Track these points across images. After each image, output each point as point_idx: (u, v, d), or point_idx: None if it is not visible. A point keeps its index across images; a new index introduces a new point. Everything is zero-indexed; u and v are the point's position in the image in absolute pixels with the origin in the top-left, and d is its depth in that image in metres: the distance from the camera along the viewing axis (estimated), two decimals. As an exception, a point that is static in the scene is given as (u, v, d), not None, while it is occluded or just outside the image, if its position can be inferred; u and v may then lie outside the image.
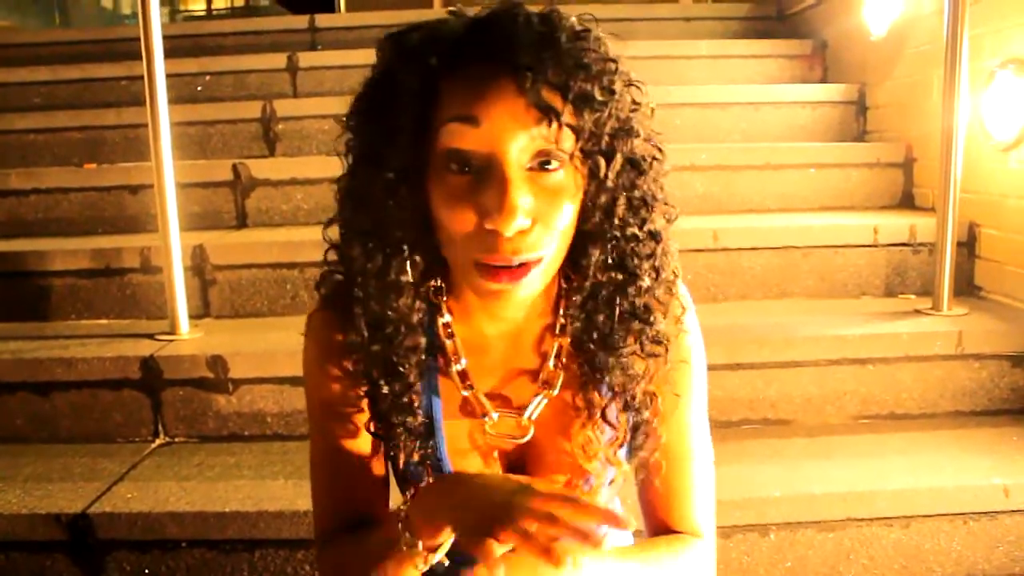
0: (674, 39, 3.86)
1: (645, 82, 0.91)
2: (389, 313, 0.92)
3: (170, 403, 2.11)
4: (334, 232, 0.98)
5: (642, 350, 0.96)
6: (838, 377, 2.13)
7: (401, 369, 0.94)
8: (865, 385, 2.14)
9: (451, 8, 0.89)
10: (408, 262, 0.91)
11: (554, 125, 0.80)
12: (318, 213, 2.89)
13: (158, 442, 2.11)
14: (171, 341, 2.21)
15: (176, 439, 2.12)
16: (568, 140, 0.82)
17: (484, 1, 0.87)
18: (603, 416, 0.98)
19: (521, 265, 0.83)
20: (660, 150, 0.92)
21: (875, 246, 2.53)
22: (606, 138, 0.85)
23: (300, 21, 4.23)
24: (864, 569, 1.81)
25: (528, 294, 0.87)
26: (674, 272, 0.97)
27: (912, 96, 2.92)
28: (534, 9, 0.86)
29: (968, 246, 2.51)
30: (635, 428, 0.99)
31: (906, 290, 2.53)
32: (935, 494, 1.79)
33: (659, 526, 1.08)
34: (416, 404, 0.96)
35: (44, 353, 2.14)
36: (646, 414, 0.98)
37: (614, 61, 0.86)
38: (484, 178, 0.81)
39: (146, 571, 1.78)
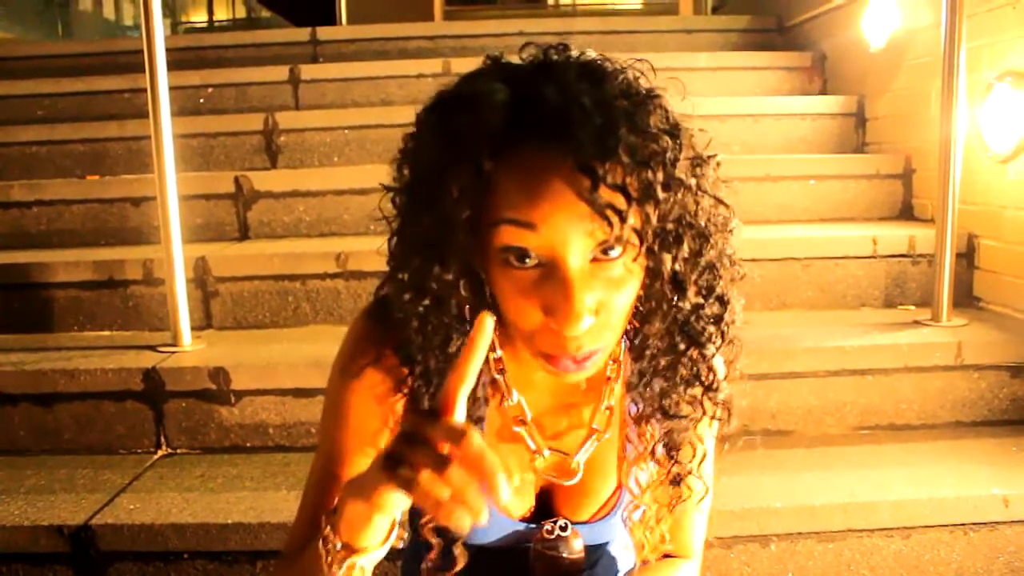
0: (674, 51, 3.88)
1: (708, 140, 0.88)
2: (449, 351, 0.87)
3: (172, 415, 2.11)
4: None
5: (704, 414, 0.95)
6: (838, 388, 2.14)
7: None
8: (865, 396, 2.14)
9: (489, 56, 0.84)
10: (465, 306, 0.86)
11: (616, 222, 0.74)
12: (320, 225, 2.90)
13: (160, 453, 2.12)
14: (173, 353, 2.22)
15: (178, 450, 2.13)
16: (631, 232, 0.77)
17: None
18: (652, 455, 0.97)
19: (585, 356, 0.81)
20: (727, 206, 0.88)
21: (874, 257, 2.54)
22: (671, 223, 0.81)
23: (302, 34, 4.25)
24: (865, 580, 1.81)
25: (592, 373, 0.84)
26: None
27: (911, 108, 2.93)
28: (585, 57, 0.81)
29: (967, 257, 2.52)
30: (678, 477, 0.98)
31: (905, 301, 2.54)
32: (935, 505, 1.79)
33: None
34: None
35: (47, 364, 2.14)
36: (690, 465, 0.98)
37: (677, 135, 0.81)
38: (547, 274, 0.77)
39: (148, 582, 1.78)
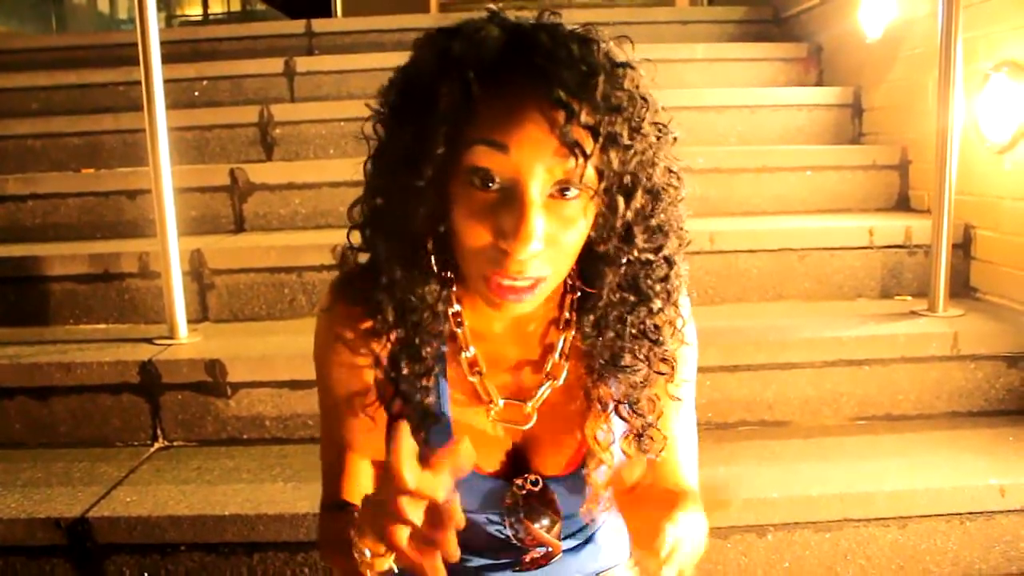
0: (671, 42, 3.87)
1: (671, 117, 0.94)
2: (413, 299, 0.95)
3: (169, 407, 2.11)
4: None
5: (649, 367, 0.99)
6: (835, 379, 2.14)
7: (423, 353, 0.98)
8: (861, 386, 2.15)
9: (491, 8, 0.90)
10: (431, 255, 0.94)
11: (580, 160, 0.82)
12: (316, 217, 2.89)
13: (157, 446, 2.12)
14: (169, 345, 2.22)
15: (175, 443, 2.13)
16: (591, 176, 0.84)
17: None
18: (616, 411, 1.01)
19: (529, 284, 0.86)
20: (679, 177, 0.94)
21: (871, 248, 2.54)
22: (628, 176, 0.87)
23: (297, 26, 4.23)
24: (861, 569, 1.81)
25: (533, 306, 0.90)
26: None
27: (908, 99, 2.93)
28: (575, 26, 0.88)
29: (964, 248, 2.52)
30: (640, 430, 1.02)
31: (902, 292, 2.54)
32: (931, 495, 1.80)
33: None
34: (431, 386, 0.99)
35: (43, 358, 2.14)
36: (650, 418, 1.01)
37: (646, 99, 0.88)
38: (505, 199, 0.84)
39: (145, 575, 1.78)
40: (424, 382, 0.99)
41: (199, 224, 2.84)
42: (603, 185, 0.86)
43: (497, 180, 0.84)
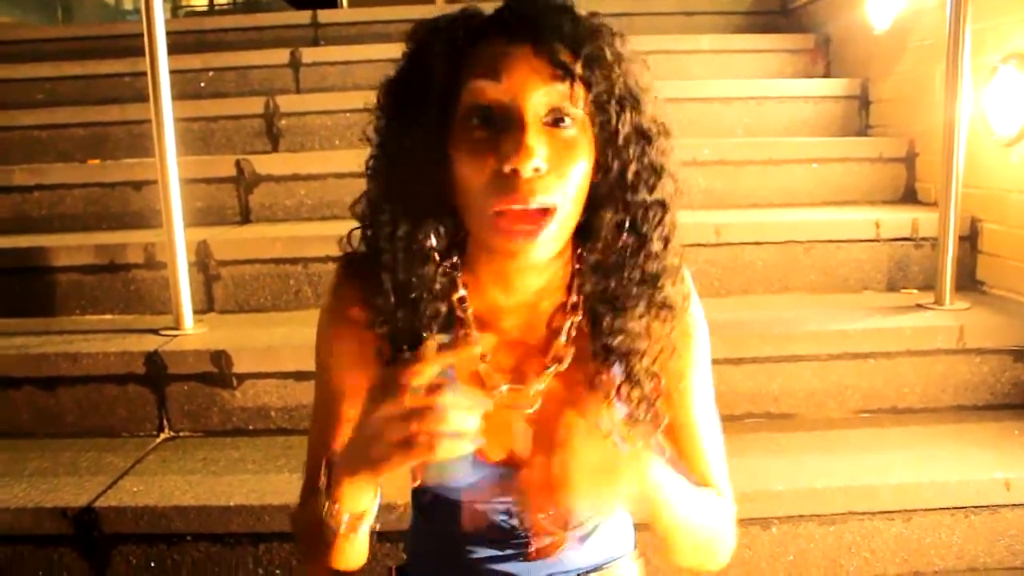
0: (676, 34, 3.86)
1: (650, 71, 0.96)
2: (414, 280, 0.96)
3: (175, 398, 2.12)
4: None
5: (650, 313, 0.99)
6: (840, 372, 2.14)
7: (423, 336, 0.97)
8: (867, 379, 2.14)
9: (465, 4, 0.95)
10: (433, 231, 0.95)
11: (568, 82, 0.87)
12: (321, 208, 2.89)
13: (163, 437, 2.12)
14: (175, 336, 2.22)
15: (181, 433, 2.13)
16: (580, 101, 0.89)
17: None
18: (618, 393, 1.01)
19: (538, 212, 0.88)
20: (667, 129, 0.97)
21: (877, 241, 2.53)
22: (615, 103, 0.91)
23: (302, 17, 4.23)
24: (865, 562, 1.81)
25: (546, 252, 0.91)
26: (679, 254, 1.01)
27: (915, 91, 2.92)
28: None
29: (970, 240, 2.51)
30: (640, 403, 1.02)
31: (908, 285, 2.54)
32: (936, 488, 1.79)
33: None
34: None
35: (49, 348, 2.15)
36: (648, 387, 1.01)
37: (622, 35, 0.94)
38: (504, 127, 0.87)
39: (151, 564, 1.79)
40: None
41: (205, 215, 2.85)
42: (591, 103, 0.90)
43: (495, 114, 0.88)
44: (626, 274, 0.97)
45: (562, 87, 0.87)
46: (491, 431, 1.02)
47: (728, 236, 2.49)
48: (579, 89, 0.88)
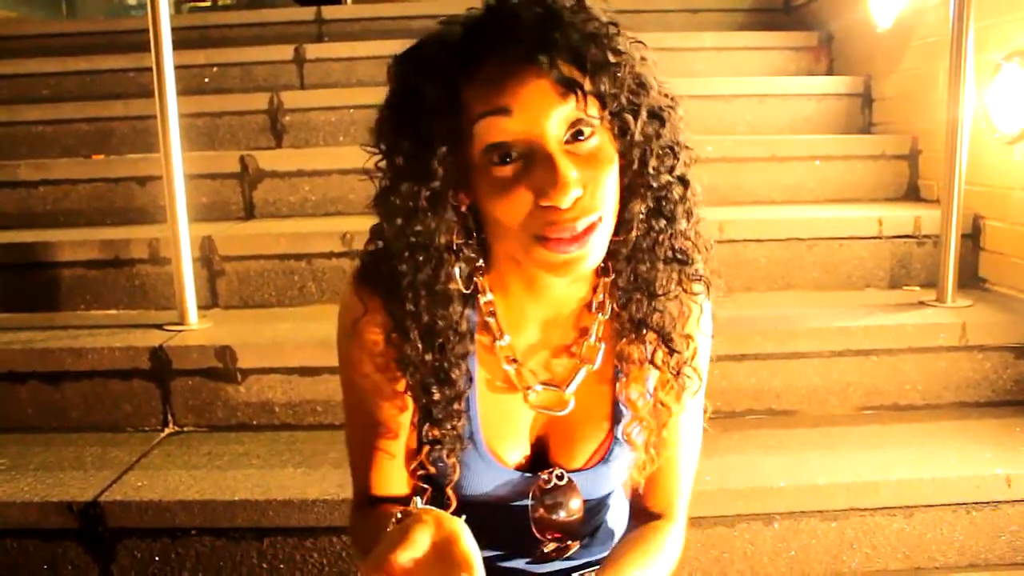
0: (679, 31, 3.86)
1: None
2: (440, 323, 0.94)
3: (179, 393, 2.12)
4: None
5: (683, 288, 0.99)
6: (842, 368, 2.14)
7: (453, 375, 0.96)
8: (869, 376, 2.15)
9: (441, 18, 0.91)
10: (456, 268, 0.94)
11: (578, 94, 0.84)
12: (325, 204, 2.90)
13: (167, 431, 2.13)
14: (180, 331, 2.23)
15: (185, 428, 2.14)
16: (594, 106, 0.86)
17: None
18: (651, 361, 1.01)
19: (584, 229, 0.86)
20: (672, 98, 0.95)
21: (880, 238, 2.54)
22: (626, 96, 0.88)
23: (307, 13, 4.23)
24: (867, 559, 1.82)
25: (595, 260, 0.89)
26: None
27: (918, 88, 2.92)
28: None
29: (973, 238, 2.52)
30: (675, 368, 1.02)
31: (910, 282, 2.54)
32: (938, 484, 1.80)
33: (637, 504, 1.13)
34: (461, 408, 0.98)
35: (54, 343, 2.16)
36: (686, 354, 1.01)
37: (614, 24, 0.90)
38: (529, 162, 0.85)
39: (156, 559, 1.80)
40: (456, 407, 0.98)
41: (209, 211, 2.85)
42: (607, 110, 0.87)
43: (513, 151, 0.85)
44: (659, 254, 0.96)
45: (573, 101, 0.84)
46: (511, 435, 1.03)
47: (731, 233, 2.50)
48: (591, 97, 0.85)
